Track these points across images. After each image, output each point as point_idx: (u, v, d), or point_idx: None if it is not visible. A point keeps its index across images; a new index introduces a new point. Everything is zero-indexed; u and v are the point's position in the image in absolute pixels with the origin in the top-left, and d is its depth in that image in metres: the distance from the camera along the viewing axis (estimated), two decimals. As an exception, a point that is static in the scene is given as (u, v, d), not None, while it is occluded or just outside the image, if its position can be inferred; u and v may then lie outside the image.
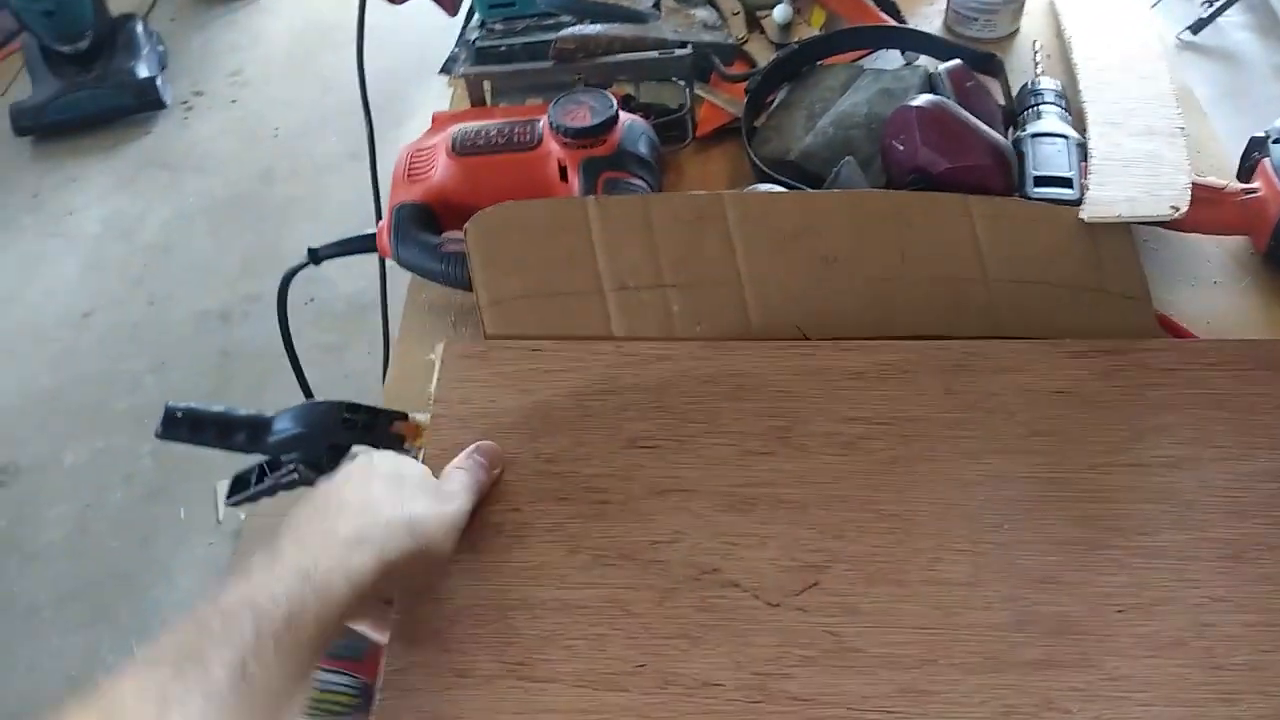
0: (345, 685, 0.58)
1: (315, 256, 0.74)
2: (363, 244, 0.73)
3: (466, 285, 0.67)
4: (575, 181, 0.70)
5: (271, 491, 0.64)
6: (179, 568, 1.54)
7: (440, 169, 0.72)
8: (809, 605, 0.50)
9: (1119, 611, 0.50)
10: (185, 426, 0.59)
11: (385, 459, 0.52)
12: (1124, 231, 0.64)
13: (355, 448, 0.60)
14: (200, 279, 1.95)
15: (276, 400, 0.69)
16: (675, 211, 0.63)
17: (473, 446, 0.56)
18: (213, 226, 2.06)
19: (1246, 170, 0.72)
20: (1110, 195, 0.65)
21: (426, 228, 0.70)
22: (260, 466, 0.64)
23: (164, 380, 1.77)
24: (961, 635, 0.49)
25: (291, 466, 0.62)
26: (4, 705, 1.42)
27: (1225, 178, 0.70)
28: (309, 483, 0.63)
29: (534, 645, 0.50)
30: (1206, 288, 0.68)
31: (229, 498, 0.64)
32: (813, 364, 0.60)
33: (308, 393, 0.82)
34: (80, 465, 1.68)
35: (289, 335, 0.78)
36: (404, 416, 0.62)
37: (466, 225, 0.63)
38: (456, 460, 0.55)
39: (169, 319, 1.88)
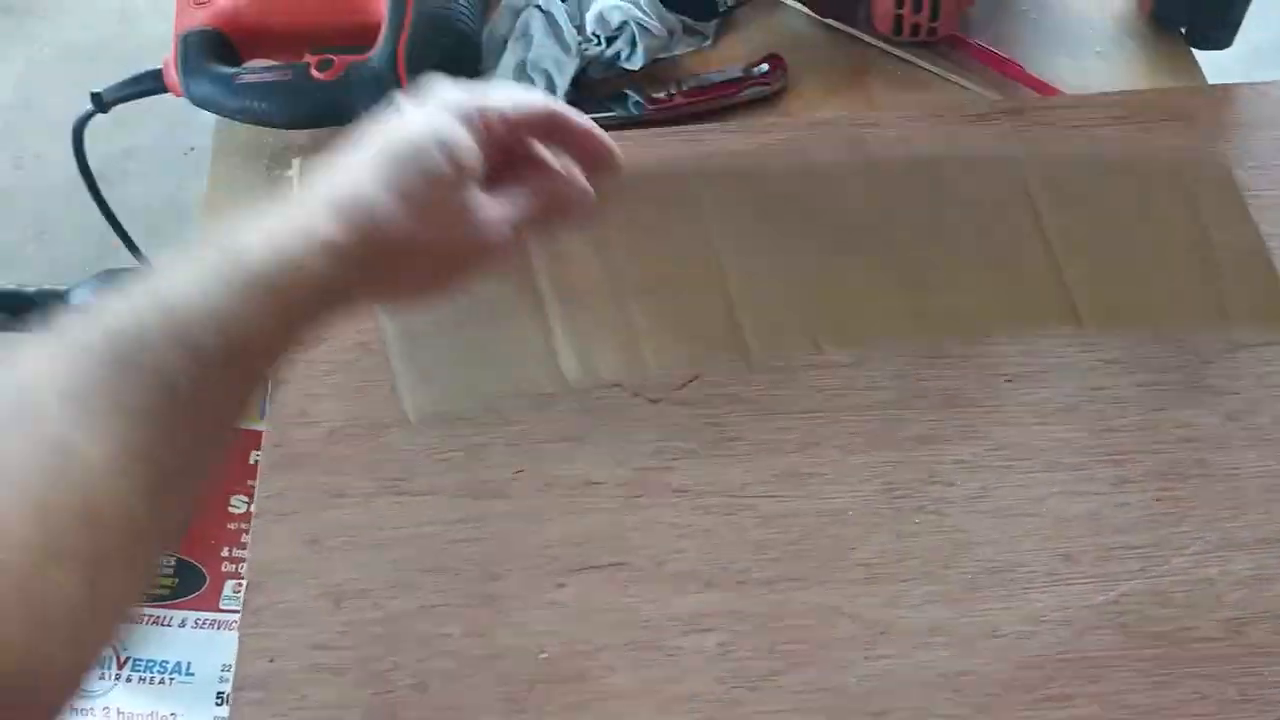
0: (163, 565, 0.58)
1: (100, 102, 0.66)
2: (151, 81, 0.65)
3: (273, 122, 0.62)
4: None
5: None
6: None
7: (229, -14, 0.64)
8: (690, 398, 0.50)
9: (1007, 381, 0.50)
10: None
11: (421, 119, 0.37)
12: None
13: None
14: (69, 136, 1.83)
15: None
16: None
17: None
18: (74, 77, 1.92)
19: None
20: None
21: (221, 58, 0.62)
22: None
23: (46, 250, 1.68)
24: (843, 416, 0.49)
25: None
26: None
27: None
28: None
29: (411, 460, 0.50)
30: (1089, 58, 0.65)
31: None
32: (697, 150, 0.58)
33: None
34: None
35: (97, 189, 0.72)
36: None
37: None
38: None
39: (42, 183, 1.78)
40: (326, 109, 0.61)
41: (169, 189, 1.74)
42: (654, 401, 0.50)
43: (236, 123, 0.65)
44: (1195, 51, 0.65)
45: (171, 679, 0.58)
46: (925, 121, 0.58)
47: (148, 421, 0.28)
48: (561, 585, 0.46)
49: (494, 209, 0.38)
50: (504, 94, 0.39)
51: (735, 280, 0.47)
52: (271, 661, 0.45)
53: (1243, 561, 0.46)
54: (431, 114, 0.38)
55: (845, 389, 0.50)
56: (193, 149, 1.74)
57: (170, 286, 0.31)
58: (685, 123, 0.64)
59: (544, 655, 0.45)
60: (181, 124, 0.71)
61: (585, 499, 0.48)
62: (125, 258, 0.75)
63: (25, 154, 1.84)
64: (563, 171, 0.40)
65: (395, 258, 0.36)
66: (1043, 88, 0.63)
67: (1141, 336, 0.48)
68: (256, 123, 0.63)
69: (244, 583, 0.48)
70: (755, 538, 0.47)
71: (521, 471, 0.49)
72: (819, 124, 0.59)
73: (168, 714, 0.57)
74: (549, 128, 0.40)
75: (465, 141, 0.37)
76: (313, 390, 0.51)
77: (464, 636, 0.45)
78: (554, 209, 0.40)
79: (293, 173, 0.59)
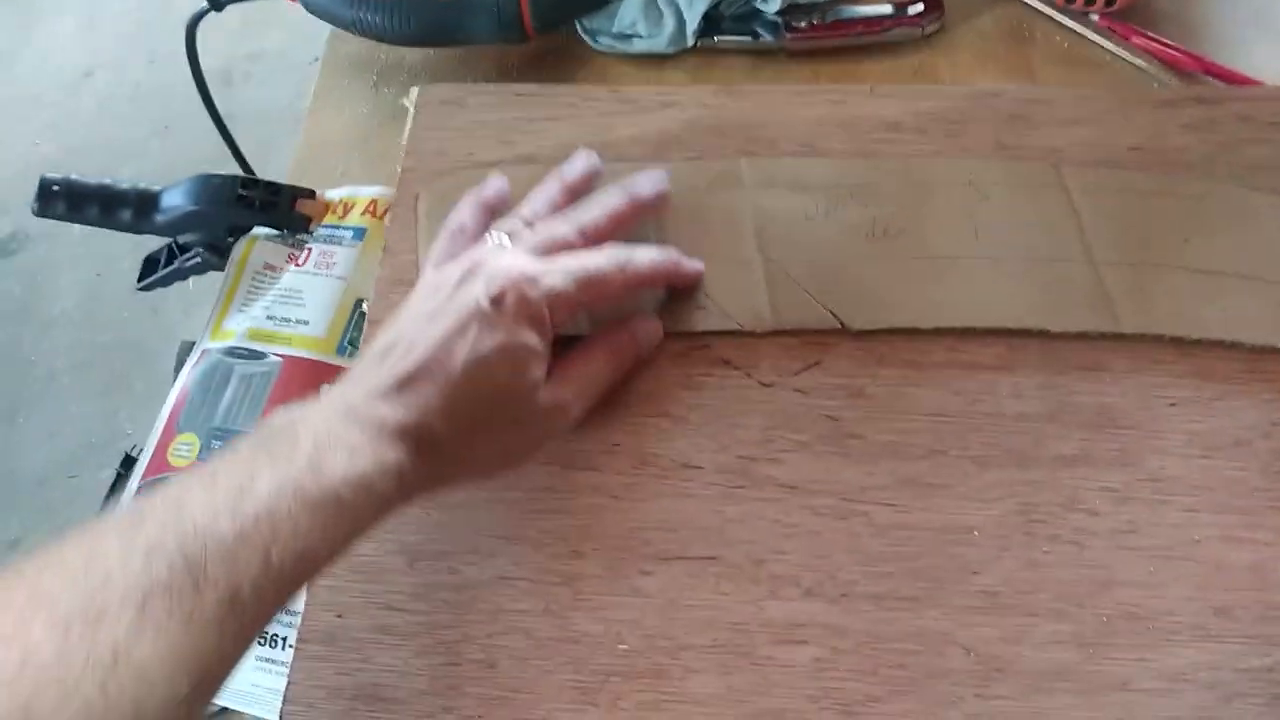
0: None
1: (215, 1, 0.66)
2: None
3: (385, 37, 0.61)
4: None
5: (181, 275, 0.62)
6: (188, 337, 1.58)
7: None
8: (807, 386, 0.47)
9: (1171, 405, 0.46)
10: (63, 201, 0.57)
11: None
12: None
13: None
14: (200, 35, 1.87)
15: (279, 168, 0.65)
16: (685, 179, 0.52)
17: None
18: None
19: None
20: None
21: None
22: (169, 248, 0.62)
23: (169, 145, 1.76)
24: (981, 424, 0.46)
25: (195, 250, 0.60)
26: (30, 469, 1.51)
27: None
28: (214, 267, 0.61)
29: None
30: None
31: (139, 281, 0.63)
32: (842, 113, 0.55)
33: (245, 166, 0.76)
34: (89, 233, 1.70)
35: (207, 91, 0.71)
36: (310, 194, 0.59)
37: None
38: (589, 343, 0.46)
39: (171, 79, 1.85)
40: (441, 30, 0.62)
41: (287, 97, 1.80)
42: (766, 385, 0.47)
43: (349, 34, 0.65)
44: None
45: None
46: (1102, 102, 0.54)
47: (206, 629, 0.32)
48: (647, 573, 0.44)
49: (556, 392, 0.43)
50: (563, 272, 0.43)
51: (772, 253, 0.50)
52: (339, 617, 0.44)
53: None
54: (499, 322, 0.40)
55: (985, 394, 0.46)
56: (316, 59, 1.78)
57: (249, 493, 0.34)
58: (825, 56, 0.61)
59: (623, 647, 0.43)
60: (309, 35, 0.72)
61: (681, 482, 0.46)
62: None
63: (158, 51, 1.92)
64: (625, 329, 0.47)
65: (458, 470, 0.42)
66: (1232, 76, 0.58)
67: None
68: (369, 36, 0.63)
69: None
70: (867, 547, 0.44)
71: (618, 445, 0.47)
72: (982, 95, 0.54)
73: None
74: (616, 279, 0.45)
75: (535, 352, 0.42)
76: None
77: (540, 615, 0.44)
78: (622, 361, 0.47)
79: (410, 102, 0.57)
